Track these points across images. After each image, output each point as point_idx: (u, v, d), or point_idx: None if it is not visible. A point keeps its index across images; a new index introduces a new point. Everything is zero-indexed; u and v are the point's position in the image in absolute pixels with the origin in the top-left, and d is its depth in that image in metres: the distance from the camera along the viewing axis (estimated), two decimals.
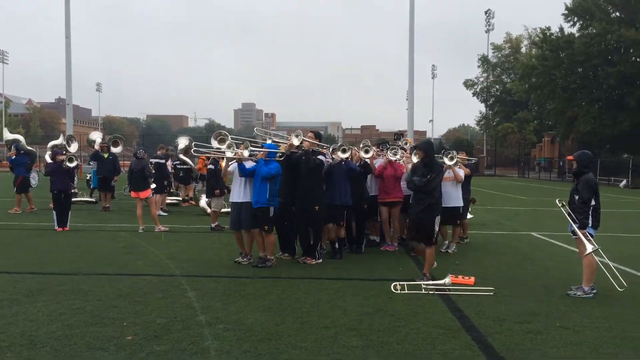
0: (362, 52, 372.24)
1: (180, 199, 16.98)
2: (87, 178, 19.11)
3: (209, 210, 13.63)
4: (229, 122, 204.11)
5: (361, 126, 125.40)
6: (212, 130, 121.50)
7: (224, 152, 8.32)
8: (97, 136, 18.70)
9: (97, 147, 17.32)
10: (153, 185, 12.20)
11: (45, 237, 10.63)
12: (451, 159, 8.99)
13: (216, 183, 11.94)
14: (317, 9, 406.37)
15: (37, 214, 14.40)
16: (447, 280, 6.56)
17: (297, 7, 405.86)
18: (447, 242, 9.36)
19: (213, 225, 11.65)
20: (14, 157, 15.41)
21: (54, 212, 11.44)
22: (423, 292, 6.40)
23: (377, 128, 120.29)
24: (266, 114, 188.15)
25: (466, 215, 10.19)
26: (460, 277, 6.91)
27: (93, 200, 17.35)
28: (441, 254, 9.01)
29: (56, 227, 11.28)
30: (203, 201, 14.61)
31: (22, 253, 8.89)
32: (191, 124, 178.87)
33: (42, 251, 9.06)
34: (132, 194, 11.68)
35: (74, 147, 15.16)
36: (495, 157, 61.22)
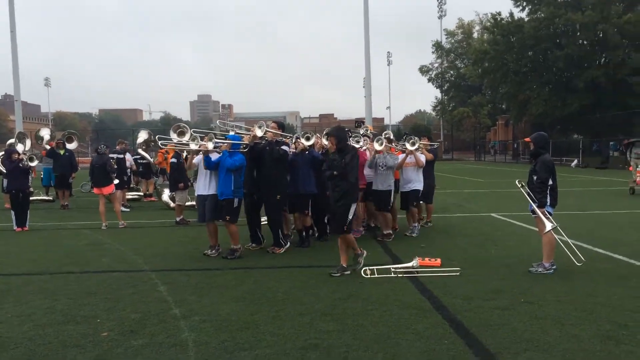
0: (319, 40, 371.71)
1: (141, 194, 16.72)
2: (41, 176, 18.56)
3: (172, 205, 13.51)
4: (185, 114, 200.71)
5: (320, 115, 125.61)
6: (168, 123, 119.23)
7: (188, 145, 8.29)
8: (45, 132, 18.16)
9: (45, 144, 16.83)
10: (116, 181, 11.97)
11: (4, 237, 10.32)
12: (412, 144, 9.20)
13: (180, 176, 11.83)
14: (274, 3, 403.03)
15: None
16: (414, 262, 6.74)
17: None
18: (411, 226, 9.57)
19: (178, 219, 11.56)
20: None
21: (12, 212, 11.11)
22: (392, 275, 6.57)
23: (335, 116, 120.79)
24: (223, 105, 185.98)
25: (431, 199, 10.45)
26: (427, 259, 7.11)
27: (50, 198, 16.90)
28: (407, 238, 9.24)
29: (15, 228, 10.97)
30: (166, 195, 14.44)
31: None
32: (146, 117, 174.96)
33: (1, 252, 8.80)
34: (95, 190, 11.45)
35: (25, 145, 14.69)
36: (452, 141, 62.54)
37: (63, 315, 5.29)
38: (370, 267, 6.68)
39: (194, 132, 8.77)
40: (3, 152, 15.51)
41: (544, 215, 6.52)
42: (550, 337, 4.50)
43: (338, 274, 6.65)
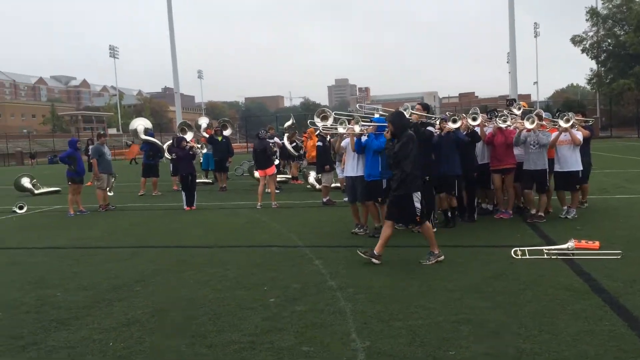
0: (456, 15, 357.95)
1: (289, 176, 17.74)
2: (200, 161, 20.45)
3: (318, 186, 14.22)
4: (323, 99, 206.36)
5: (459, 94, 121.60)
6: (308, 108, 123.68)
7: (336, 129, 8.71)
8: (203, 121, 19.94)
9: (203, 131, 18.49)
10: (277, 162, 12.96)
11: (176, 215, 11.69)
12: (567, 121, 8.72)
13: (325, 159, 12.42)
14: None
15: (164, 196, 15.74)
16: (570, 244, 6.49)
17: None
18: (565, 207, 9.12)
19: (325, 199, 12.16)
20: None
21: (183, 193, 12.51)
22: (545, 257, 6.40)
23: (476, 95, 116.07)
24: (360, 89, 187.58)
25: (586, 179, 9.85)
26: (583, 241, 6.79)
27: (209, 181, 18.62)
28: (561, 220, 8.84)
29: (185, 207, 12.35)
30: (312, 177, 15.20)
31: (160, 230, 9.92)
32: (287, 103, 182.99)
33: (177, 228, 10.02)
34: (260, 172, 12.47)
35: (189, 135, 16.36)
36: (611, 117, 57.01)
37: (235, 282, 5.98)
38: (521, 248, 6.57)
39: (337, 114, 9.20)
40: (171, 140, 17.44)
41: None
42: None
43: (429, 262, 6.38)
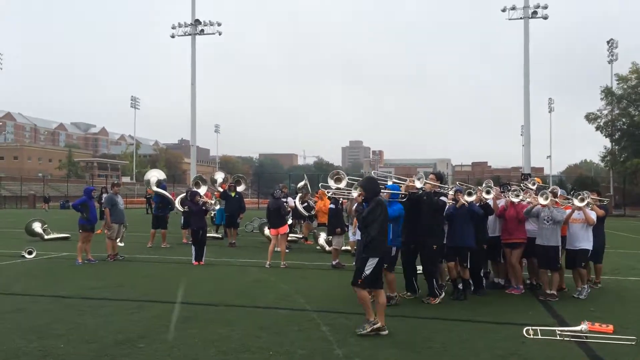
0: (471, 86, 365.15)
1: (300, 236, 17.70)
2: (212, 215, 20.52)
3: (328, 248, 14.17)
4: (337, 159, 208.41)
5: (472, 163, 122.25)
6: (321, 168, 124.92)
7: (346, 192, 8.79)
8: (219, 176, 20.19)
9: (218, 186, 18.68)
10: (290, 221, 12.98)
11: (185, 270, 11.64)
12: (581, 200, 8.73)
13: (337, 222, 12.43)
14: (424, 46, 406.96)
15: (173, 248, 15.73)
16: (583, 327, 6.35)
17: (403, 45, 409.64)
18: (579, 287, 8.97)
19: (334, 262, 12.08)
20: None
21: (193, 247, 12.51)
22: (558, 338, 6.26)
23: (489, 165, 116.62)
24: (374, 152, 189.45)
25: (600, 259, 9.74)
26: (597, 324, 6.64)
27: (219, 236, 18.62)
28: (574, 300, 8.68)
29: (193, 261, 12.32)
30: (322, 239, 15.16)
31: (168, 284, 9.86)
32: (300, 162, 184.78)
33: (184, 283, 9.95)
34: (272, 231, 12.50)
35: (202, 189, 16.54)
36: (624, 195, 56.78)
37: (240, 345, 5.89)
38: (533, 327, 6.44)
39: (351, 179, 9.30)
40: (184, 194, 17.61)
41: None
42: None
43: (364, 331, 6.27)
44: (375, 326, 6.33)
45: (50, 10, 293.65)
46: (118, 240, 13.48)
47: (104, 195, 18.53)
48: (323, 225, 15.60)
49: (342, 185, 10.11)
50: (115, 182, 16.46)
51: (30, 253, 13.31)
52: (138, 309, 7.67)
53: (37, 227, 18.18)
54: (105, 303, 8.11)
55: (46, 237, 17.86)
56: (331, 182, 10.00)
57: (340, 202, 12.52)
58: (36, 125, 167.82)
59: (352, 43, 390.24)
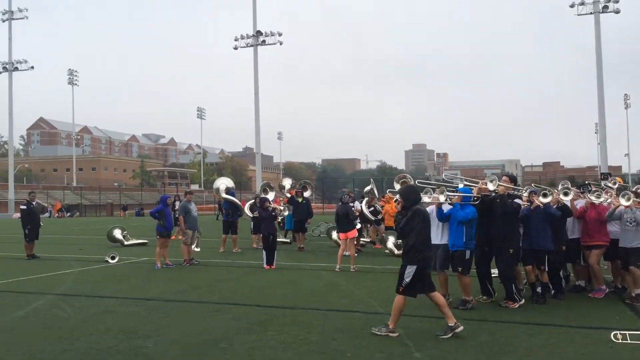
0: (540, 84, 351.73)
1: (367, 240, 17.69)
2: (279, 220, 20.86)
3: (397, 252, 14.08)
4: (400, 163, 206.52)
5: (543, 163, 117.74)
6: (384, 171, 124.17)
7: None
8: (287, 182, 20.52)
9: (286, 192, 18.99)
10: (358, 226, 13.06)
11: (257, 274, 11.92)
12: None
13: None
14: (489, 44, 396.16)
15: (244, 253, 16.13)
16: None
17: (468, 45, 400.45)
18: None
19: None
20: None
21: (264, 252, 12.79)
22: None
23: (561, 165, 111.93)
24: (438, 154, 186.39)
25: None
26: None
27: (287, 240, 18.91)
28: None
29: (265, 265, 12.59)
30: (391, 242, 15.08)
31: (242, 287, 10.14)
32: (363, 166, 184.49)
33: (257, 286, 10.20)
34: (341, 235, 12.63)
35: (271, 195, 16.85)
36: None
37: (318, 347, 5.98)
38: (622, 332, 6.15)
39: (420, 182, 9.21)
40: (253, 200, 18.04)
41: None
42: None
43: (380, 332, 6.42)
44: (391, 334, 6.38)
45: (118, 28, 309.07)
46: (194, 245, 13.98)
47: (177, 203, 19.21)
48: (391, 228, 15.52)
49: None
50: (188, 190, 17.09)
51: (113, 258, 14.03)
52: (216, 311, 7.94)
53: (117, 233, 19.15)
54: (185, 305, 8.44)
55: (126, 243, 18.78)
56: (397, 186, 9.97)
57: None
58: (111, 138, 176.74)
59: (412, 43, 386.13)
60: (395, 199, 7.62)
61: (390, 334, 6.37)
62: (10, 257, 15.91)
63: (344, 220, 12.48)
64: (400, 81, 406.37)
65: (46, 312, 7.97)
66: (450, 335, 6.26)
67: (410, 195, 6.77)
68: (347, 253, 12.45)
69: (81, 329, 6.91)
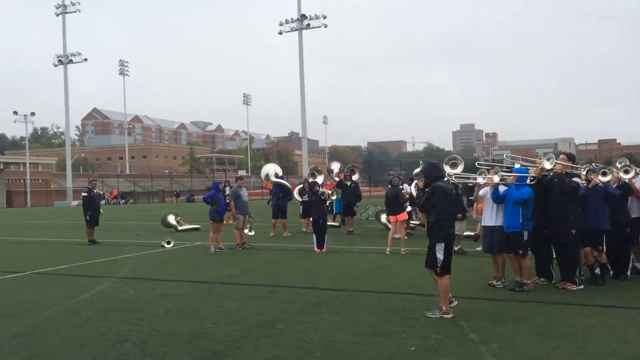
0: (592, 60, 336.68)
1: (417, 222, 17.58)
2: (327, 205, 20.96)
3: None
4: (447, 144, 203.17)
5: (598, 141, 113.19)
6: (431, 153, 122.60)
7: (474, 178, 8.60)
8: (335, 166, 20.58)
9: (334, 176, 19.05)
10: (408, 209, 13.02)
11: (308, 257, 12.07)
12: None
13: (457, 207, 12.17)
14: (537, 19, 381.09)
15: (294, 237, 16.34)
16: None
17: (511, 21, 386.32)
18: None
19: (456, 248, 11.85)
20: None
21: (314, 236, 12.93)
22: None
23: (618, 142, 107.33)
24: (487, 134, 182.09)
25: None
26: None
27: (336, 224, 19.01)
28: None
29: (315, 249, 12.72)
30: None
31: (294, 270, 10.32)
32: (409, 148, 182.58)
33: (309, 269, 10.35)
34: (391, 218, 12.65)
35: (320, 179, 16.94)
36: None
37: (373, 328, 6.04)
38: None
39: (479, 164, 9.06)
40: (301, 184, 18.21)
41: None
42: None
43: (433, 315, 6.39)
44: (445, 315, 6.35)
45: (165, 17, 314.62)
46: (247, 230, 14.26)
47: (227, 189, 19.59)
48: None
49: (459, 170, 9.92)
50: (239, 175, 17.40)
51: (168, 243, 14.49)
52: (270, 294, 8.11)
53: (171, 219, 19.72)
54: (239, 288, 8.66)
55: (179, 228, 19.33)
56: (447, 168, 9.86)
57: (459, 187, 12.28)
58: (160, 126, 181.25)
59: (460, 20, 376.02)
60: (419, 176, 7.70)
61: (445, 316, 6.36)
62: (73, 243, 16.67)
63: (394, 203, 12.47)
64: (447, 60, 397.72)
65: (109, 295, 8.33)
66: (438, 315, 6.35)
67: (431, 172, 6.91)
68: (397, 236, 12.44)
69: (143, 310, 7.21)
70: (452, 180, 11.06)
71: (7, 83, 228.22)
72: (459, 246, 11.91)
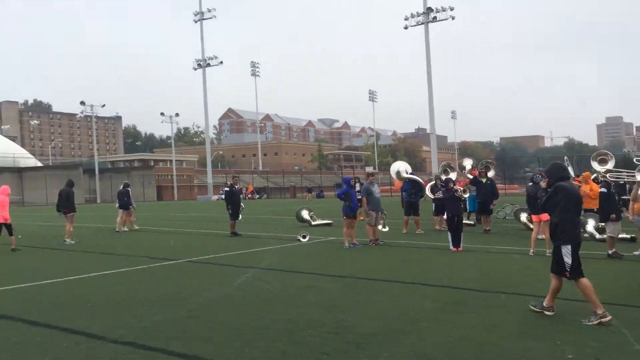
0: None
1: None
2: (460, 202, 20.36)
3: (598, 236, 13.01)
4: (591, 138, 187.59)
5: None
6: (572, 148, 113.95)
7: (634, 176, 7.87)
8: (468, 162, 19.90)
9: (467, 173, 18.41)
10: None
11: (444, 255, 11.82)
12: None
13: (611, 207, 11.21)
14: None
15: (427, 234, 16.09)
16: None
17: None
18: None
19: (610, 252, 10.94)
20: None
21: (449, 234, 12.63)
22: None
23: None
24: (638, 127, 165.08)
25: None
26: None
27: (471, 222, 18.38)
28: None
29: (451, 247, 12.43)
30: (591, 225, 13.82)
31: (432, 268, 10.19)
32: (547, 143, 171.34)
33: (446, 268, 10.12)
34: (534, 217, 12.06)
35: (453, 175, 16.50)
36: None
37: (521, 330, 5.79)
38: None
39: (638, 161, 8.28)
40: (434, 181, 17.92)
41: None
42: None
43: (591, 322, 5.92)
44: (603, 319, 5.88)
45: (288, 16, 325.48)
46: (380, 226, 14.33)
47: (357, 185, 19.78)
48: (589, 211, 14.22)
49: (610, 167, 9.16)
50: (370, 172, 17.52)
51: (304, 237, 15.02)
52: (408, 290, 8.09)
53: (305, 214, 20.41)
54: (377, 283, 8.73)
55: (313, 223, 19.92)
56: (595, 164, 9.14)
57: (613, 185, 11.32)
58: (289, 124, 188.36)
59: (605, 2, 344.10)
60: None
61: (603, 320, 5.89)
62: (217, 235, 17.93)
63: (536, 202, 11.76)
64: (588, 48, 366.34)
65: (254, 284, 8.84)
66: (595, 322, 5.88)
67: (554, 172, 6.64)
68: (541, 236, 11.73)
69: (289, 301, 7.55)
70: (605, 178, 10.25)
71: (155, 87, 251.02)
72: (614, 249, 10.97)
